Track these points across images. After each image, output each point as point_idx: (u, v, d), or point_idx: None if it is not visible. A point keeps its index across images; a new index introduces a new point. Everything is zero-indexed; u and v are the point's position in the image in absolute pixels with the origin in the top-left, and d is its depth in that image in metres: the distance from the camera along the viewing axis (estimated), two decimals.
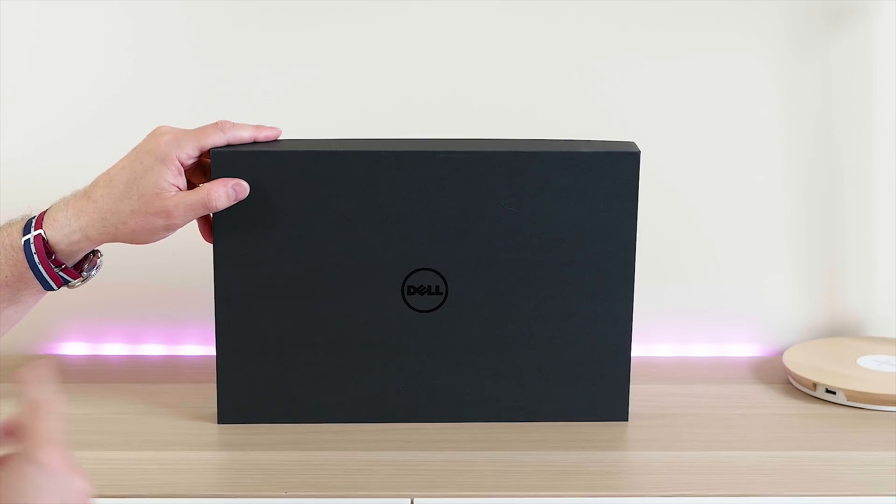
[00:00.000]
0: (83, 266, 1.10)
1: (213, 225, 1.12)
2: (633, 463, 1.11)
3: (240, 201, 1.10)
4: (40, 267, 1.07)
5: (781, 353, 1.34)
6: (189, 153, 1.08)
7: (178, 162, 1.07)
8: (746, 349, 1.39)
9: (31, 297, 1.09)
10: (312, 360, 1.15)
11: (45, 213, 1.08)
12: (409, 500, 1.03)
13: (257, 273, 1.13)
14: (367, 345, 1.14)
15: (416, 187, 1.11)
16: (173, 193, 1.07)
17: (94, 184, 1.09)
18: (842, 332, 1.40)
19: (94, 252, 1.11)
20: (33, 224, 1.07)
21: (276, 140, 1.13)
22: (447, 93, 1.34)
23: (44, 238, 1.07)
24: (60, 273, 1.08)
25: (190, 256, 1.32)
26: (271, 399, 1.15)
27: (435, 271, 1.13)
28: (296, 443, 1.13)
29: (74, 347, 1.37)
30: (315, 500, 1.03)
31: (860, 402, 1.22)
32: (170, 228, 1.08)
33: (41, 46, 1.32)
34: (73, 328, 1.37)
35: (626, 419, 1.17)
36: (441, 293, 1.14)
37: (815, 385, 1.24)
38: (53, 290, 1.09)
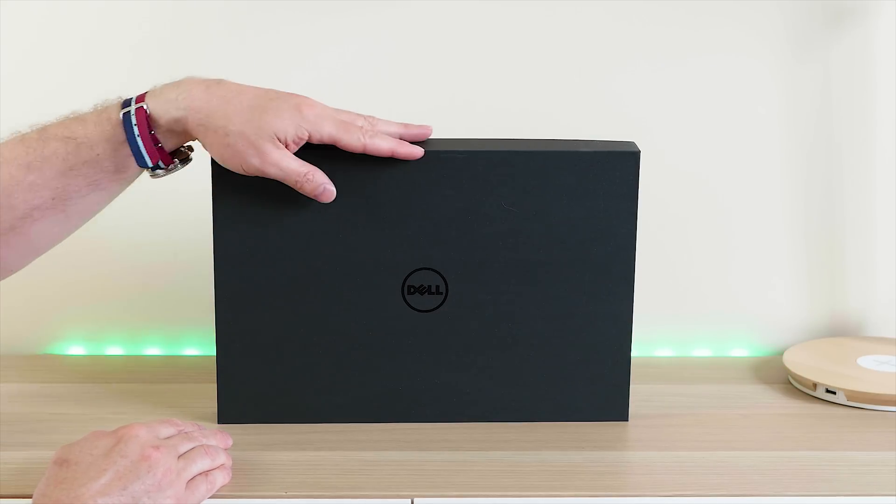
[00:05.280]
0: (175, 157, 1.09)
1: (214, 225, 1.12)
2: (633, 463, 1.11)
3: (240, 201, 1.10)
4: (139, 140, 1.05)
5: (781, 353, 1.34)
6: (322, 137, 1.07)
7: (309, 135, 1.06)
8: (746, 349, 1.39)
9: (117, 185, 1.08)
10: (312, 360, 1.15)
11: (146, 92, 1.07)
12: (409, 501, 1.03)
13: (257, 273, 1.13)
14: (367, 345, 1.14)
15: (416, 187, 1.11)
16: (282, 147, 1.06)
17: (219, 83, 1.07)
18: (842, 332, 1.40)
19: (189, 146, 1.10)
20: (134, 99, 1.06)
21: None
22: (447, 92, 1.34)
23: (146, 110, 1.05)
24: (157, 151, 1.06)
25: (190, 256, 1.32)
26: (271, 399, 1.15)
27: (435, 271, 1.13)
28: (296, 443, 1.13)
29: (74, 348, 1.37)
30: (315, 500, 1.03)
31: (860, 402, 1.22)
32: (253, 169, 1.06)
33: (41, 46, 1.33)
34: (73, 328, 1.37)
35: (626, 419, 1.17)
36: (441, 293, 1.14)
37: (815, 385, 1.24)
38: (148, 167, 1.07)
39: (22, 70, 1.33)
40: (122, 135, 1.06)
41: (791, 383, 1.28)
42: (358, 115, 1.10)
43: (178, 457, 0.99)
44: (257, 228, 1.12)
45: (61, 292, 1.36)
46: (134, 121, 1.05)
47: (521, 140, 1.15)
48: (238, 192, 1.10)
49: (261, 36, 1.33)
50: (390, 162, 1.10)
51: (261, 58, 1.33)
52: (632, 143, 1.14)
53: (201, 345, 1.37)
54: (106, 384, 1.26)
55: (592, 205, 1.12)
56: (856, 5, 1.33)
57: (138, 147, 1.06)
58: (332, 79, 1.33)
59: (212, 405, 1.17)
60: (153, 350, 1.38)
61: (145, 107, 1.06)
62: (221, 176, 1.10)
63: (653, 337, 1.37)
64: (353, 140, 1.08)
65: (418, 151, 1.10)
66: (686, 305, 1.39)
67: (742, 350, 1.39)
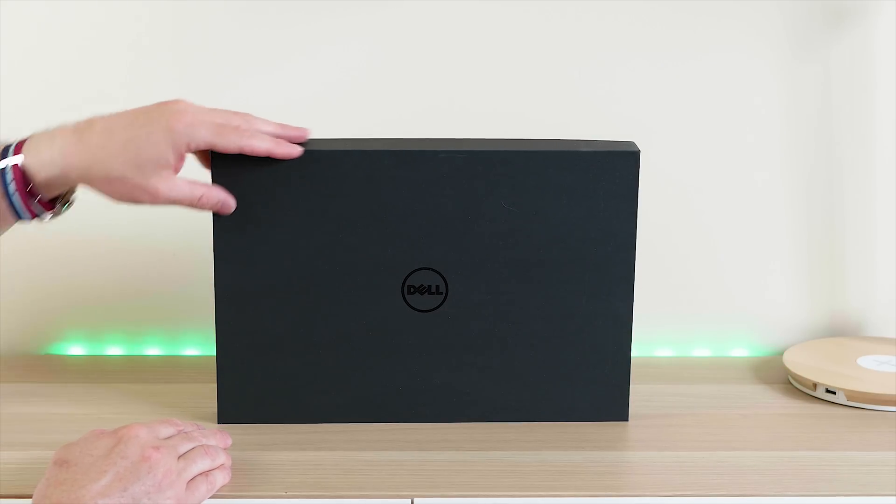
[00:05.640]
0: (55, 201, 1.08)
1: (214, 225, 1.12)
2: (633, 463, 1.11)
3: (240, 201, 1.10)
4: (16, 195, 1.04)
5: (781, 353, 1.34)
6: (199, 145, 1.06)
7: (186, 147, 1.05)
8: (746, 349, 1.39)
9: (4, 225, 1.07)
10: (312, 360, 1.15)
11: (25, 140, 1.05)
12: (409, 501, 1.03)
13: (257, 273, 1.13)
14: (367, 345, 1.14)
15: (416, 187, 1.11)
16: (169, 176, 1.05)
17: (90, 126, 1.06)
18: (842, 332, 1.40)
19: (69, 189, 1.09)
20: (12, 150, 1.04)
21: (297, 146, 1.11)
22: (447, 92, 1.34)
23: (21, 166, 1.04)
24: (36, 204, 1.05)
25: (190, 256, 1.32)
26: (271, 399, 1.15)
27: (435, 271, 1.13)
28: (296, 443, 1.13)
29: (74, 348, 1.37)
30: (315, 500, 1.03)
31: (860, 402, 1.22)
32: (146, 203, 1.06)
33: (42, 45, 1.33)
34: (73, 328, 1.37)
35: (626, 419, 1.17)
36: (441, 293, 1.14)
37: (815, 385, 1.24)
38: (26, 220, 1.06)
39: (22, 70, 1.33)
40: None
41: (791, 383, 1.28)
42: (234, 113, 1.09)
43: (179, 457, 0.99)
44: (257, 228, 1.12)
45: (61, 292, 1.36)
46: (10, 177, 1.04)
47: (521, 140, 1.15)
48: (238, 193, 1.10)
49: (259, 36, 1.33)
50: (390, 162, 1.10)
51: (260, 58, 1.33)
52: (632, 143, 1.14)
53: (201, 345, 1.37)
54: (106, 384, 1.26)
55: (592, 205, 1.12)
56: (856, 5, 1.33)
57: (13, 204, 1.05)
58: (333, 79, 1.33)
59: (212, 405, 1.17)
60: (153, 350, 1.38)
61: (19, 164, 1.04)
62: (221, 176, 1.10)
63: (653, 337, 1.37)
64: (229, 143, 1.07)
65: (296, 150, 1.09)
66: (686, 305, 1.39)
67: (742, 350, 1.39)
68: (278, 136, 1.10)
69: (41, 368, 1.32)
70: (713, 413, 1.21)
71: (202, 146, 1.06)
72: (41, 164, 1.04)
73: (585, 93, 1.35)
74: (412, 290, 1.14)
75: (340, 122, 1.32)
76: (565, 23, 1.33)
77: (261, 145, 1.08)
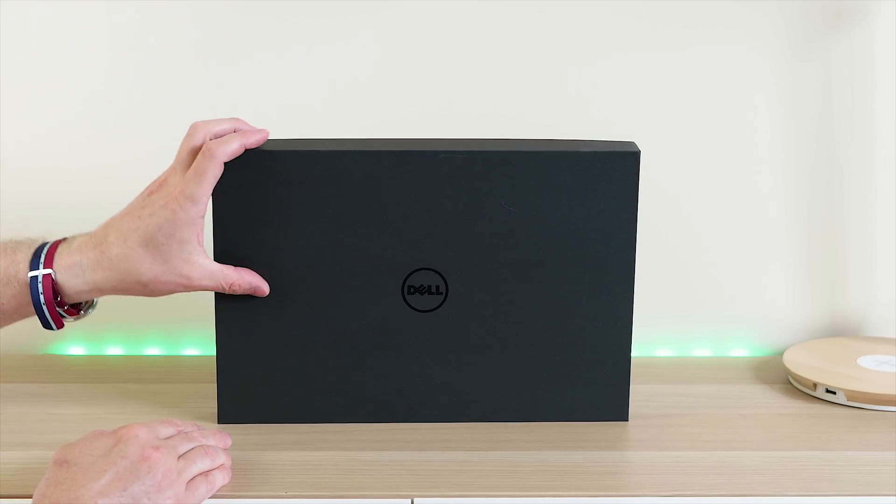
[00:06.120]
0: (81, 306, 1.11)
1: (214, 225, 1.12)
2: (633, 463, 1.11)
3: (240, 201, 1.10)
4: (45, 308, 1.06)
5: (781, 353, 1.34)
6: (202, 199, 1.06)
7: (189, 202, 1.06)
8: (746, 349, 1.39)
9: (10, 320, 1.09)
10: (312, 360, 1.15)
11: (54, 249, 1.07)
12: (409, 501, 1.03)
13: (257, 273, 1.12)
14: (367, 345, 1.14)
15: (416, 187, 1.11)
16: (196, 260, 1.07)
17: (105, 237, 1.07)
18: (842, 332, 1.40)
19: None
20: (42, 261, 1.06)
21: (269, 140, 1.11)
22: (447, 92, 1.34)
23: (53, 280, 1.06)
24: (62, 313, 1.08)
25: None
26: (271, 399, 1.15)
27: (435, 271, 1.13)
28: (296, 443, 1.13)
29: (74, 348, 1.37)
30: (315, 500, 1.03)
31: (860, 402, 1.22)
32: (186, 289, 1.08)
33: (43, 45, 1.32)
34: (74, 328, 1.37)
35: (626, 419, 1.17)
36: (441, 293, 1.14)
37: (815, 385, 1.24)
38: (52, 329, 1.09)
39: (24, 68, 1.33)
40: (27, 296, 1.06)
41: (791, 383, 1.28)
42: (193, 147, 1.08)
43: (178, 457, 0.99)
44: (257, 228, 1.12)
45: None
46: (41, 289, 1.06)
47: (521, 140, 1.15)
48: (238, 192, 1.10)
49: (260, 36, 1.33)
50: (390, 162, 1.10)
51: (260, 58, 1.33)
52: (632, 143, 1.14)
53: (201, 345, 1.37)
54: (106, 384, 1.26)
55: (592, 205, 1.12)
56: (856, 5, 1.33)
57: (45, 315, 1.07)
58: (334, 79, 1.33)
59: (212, 405, 1.17)
60: (153, 350, 1.38)
61: (53, 276, 1.06)
62: (221, 176, 1.10)
63: (653, 337, 1.37)
64: (213, 168, 1.06)
65: (264, 133, 1.09)
66: (686, 305, 1.39)
67: (742, 350, 1.39)
68: (235, 129, 1.10)
69: (41, 368, 1.32)
70: (713, 413, 1.21)
71: (205, 198, 1.07)
72: (73, 280, 1.07)
73: (585, 93, 1.35)
74: (412, 290, 1.14)
75: (340, 122, 1.33)
76: (565, 22, 1.33)
77: (230, 146, 1.08)
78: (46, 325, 1.08)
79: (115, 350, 1.37)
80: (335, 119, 1.33)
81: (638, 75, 1.34)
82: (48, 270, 1.06)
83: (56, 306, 1.07)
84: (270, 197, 1.11)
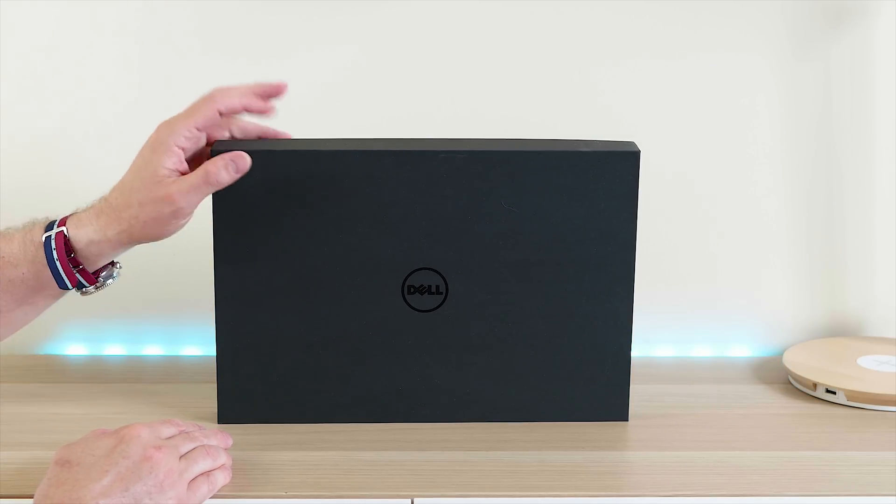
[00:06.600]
0: (100, 273, 1.10)
1: (214, 224, 1.12)
2: (633, 463, 1.11)
3: (240, 201, 1.10)
4: (58, 263, 1.07)
5: (781, 353, 1.34)
6: (184, 134, 1.07)
7: (175, 147, 1.07)
8: (746, 349, 1.39)
9: (44, 300, 1.10)
10: (312, 360, 1.15)
11: (69, 215, 1.09)
12: (409, 501, 1.03)
13: (257, 273, 1.13)
14: (367, 344, 1.14)
15: (416, 187, 1.11)
16: (174, 178, 1.06)
17: (112, 189, 1.09)
18: (842, 332, 1.40)
19: (113, 263, 1.11)
20: (56, 223, 1.08)
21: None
22: (447, 92, 1.34)
23: (65, 235, 1.07)
24: (77, 274, 1.07)
25: (190, 256, 1.32)
26: (271, 399, 1.15)
27: (435, 271, 1.13)
28: (296, 443, 1.13)
29: (74, 348, 1.37)
30: (315, 500, 1.03)
31: (860, 402, 1.22)
32: (178, 215, 1.06)
33: (45, 44, 1.32)
34: (74, 328, 1.37)
35: (626, 419, 1.17)
36: (441, 293, 1.14)
37: (815, 385, 1.24)
38: (69, 289, 1.09)
39: (26, 67, 1.33)
40: (43, 259, 1.07)
41: (791, 383, 1.28)
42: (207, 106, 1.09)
43: (180, 457, 0.99)
44: (257, 228, 1.12)
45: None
46: (53, 245, 1.07)
47: (521, 140, 1.15)
48: (238, 192, 1.10)
49: (260, 35, 1.33)
50: (390, 162, 1.10)
51: (261, 57, 1.33)
52: (632, 143, 1.14)
53: (201, 345, 1.37)
54: (106, 384, 1.26)
55: (592, 205, 1.12)
56: (856, 5, 1.33)
57: (58, 271, 1.08)
58: (334, 79, 1.33)
59: (212, 405, 1.17)
60: (153, 350, 1.38)
61: (64, 231, 1.07)
62: None
63: (653, 337, 1.37)
64: (208, 111, 1.08)
65: (282, 85, 1.11)
66: (686, 305, 1.39)
67: (742, 350, 1.39)
68: (255, 94, 1.11)
69: (41, 368, 1.32)
70: (713, 413, 1.21)
71: (188, 134, 1.07)
72: (82, 231, 1.07)
73: (586, 93, 1.35)
74: (412, 290, 1.14)
75: (340, 122, 1.33)
76: (565, 23, 1.33)
77: (234, 101, 1.09)
78: (61, 284, 1.08)
79: (115, 350, 1.37)
80: (335, 119, 1.33)
81: (638, 75, 1.34)
82: (61, 228, 1.07)
83: (71, 264, 1.07)
84: (270, 197, 1.11)
